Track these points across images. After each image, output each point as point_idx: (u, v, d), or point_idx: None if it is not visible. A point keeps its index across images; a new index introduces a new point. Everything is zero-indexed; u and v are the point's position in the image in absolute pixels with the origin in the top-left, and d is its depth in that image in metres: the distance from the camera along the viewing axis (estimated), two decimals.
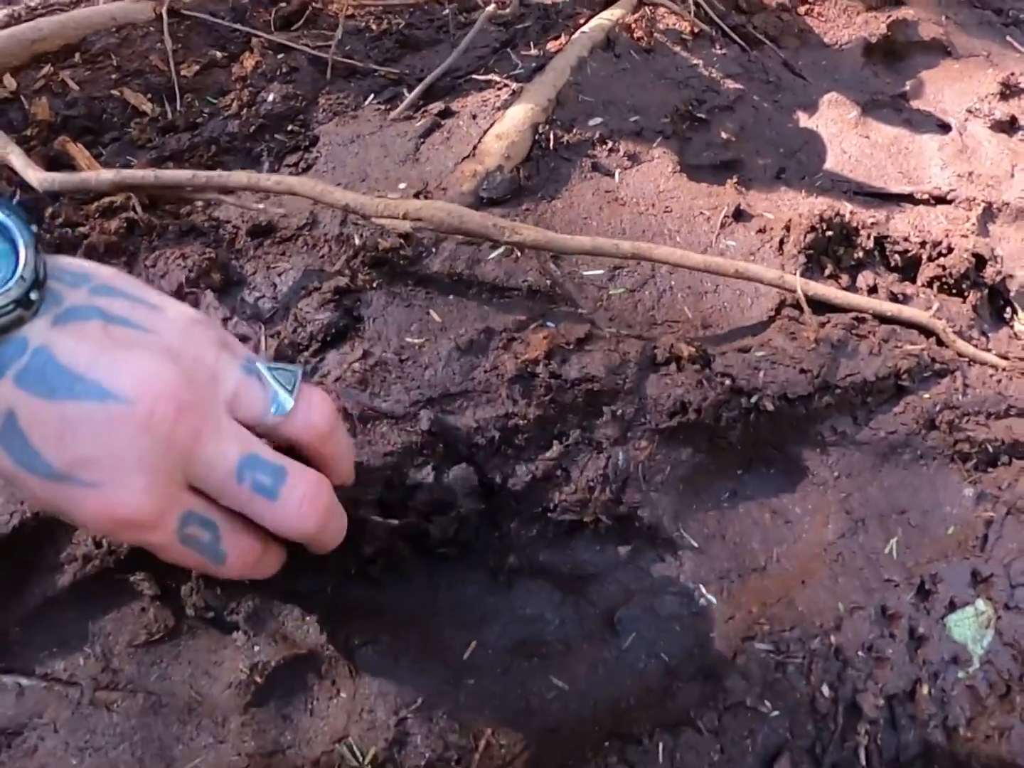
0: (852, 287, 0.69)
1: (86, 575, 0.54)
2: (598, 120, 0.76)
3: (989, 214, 0.83)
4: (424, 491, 0.52)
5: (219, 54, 0.82)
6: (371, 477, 0.52)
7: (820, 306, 0.65)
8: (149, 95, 0.79)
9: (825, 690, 0.53)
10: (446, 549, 0.53)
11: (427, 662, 0.53)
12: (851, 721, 0.53)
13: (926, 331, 0.68)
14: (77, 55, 0.81)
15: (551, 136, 0.72)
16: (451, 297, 0.61)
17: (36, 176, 0.65)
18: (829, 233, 0.69)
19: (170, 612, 0.55)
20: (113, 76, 0.79)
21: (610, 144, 0.74)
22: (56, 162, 0.75)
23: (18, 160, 0.67)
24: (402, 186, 0.69)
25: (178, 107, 0.79)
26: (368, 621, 0.54)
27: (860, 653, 0.55)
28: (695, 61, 0.85)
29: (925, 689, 0.55)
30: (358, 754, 0.50)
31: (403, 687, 0.52)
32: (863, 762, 0.52)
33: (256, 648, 0.54)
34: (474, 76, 0.80)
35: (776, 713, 0.52)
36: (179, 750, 0.51)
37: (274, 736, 0.51)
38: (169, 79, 0.80)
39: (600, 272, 0.65)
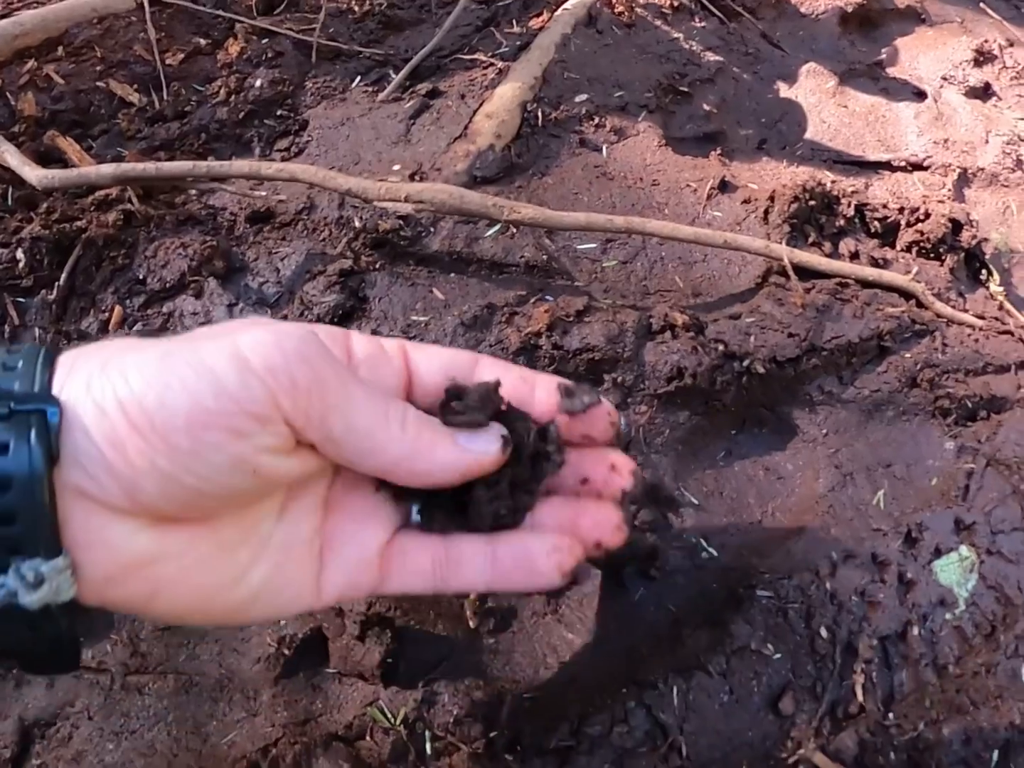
0: (835, 254, 0.72)
1: None
2: (584, 96, 0.77)
3: (964, 179, 0.86)
4: None
5: (203, 41, 0.82)
6: None
7: (805, 272, 0.68)
8: (135, 85, 0.79)
9: (823, 632, 0.56)
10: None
11: (445, 624, 0.55)
12: (848, 661, 0.56)
13: (906, 294, 0.71)
14: (60, 48, 0.80)
15: (539, 114, 0.73)
16: (452, 275, 0.62)
17: (34, 174, 0.66)
18: (812, 202, 0.71)
19: None
20: (98, 68, 0.79)
21: (597, 120, 0.76)
22: (47, 157, 0.75)
23: (14, 158, 0.67)
24: (396, 167, 0.70)
25: (165, 96, 0.79)
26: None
27: (853, 598, 0.58)
28: (676, 35, 0.87)
29: (915, 630, 0.58)
30: (389, 715, 0.52)
31: (426, 651, 0.54)
32: (860, 699, 0.55)
33: (282, 623, 0.56)
34: (459, 55, 0.81)
35: (779, 656, 0.55)
36: (213, 726, 0.53)
37: (305, 705, 0.53)
38: (154, 68, 0.79)
39: (593, 246, 0.67)
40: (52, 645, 0.33)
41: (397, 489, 0.40)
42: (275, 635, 0.55)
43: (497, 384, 0.40)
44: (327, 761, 0.51)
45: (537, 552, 0.40)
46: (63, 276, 0.67)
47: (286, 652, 0.55)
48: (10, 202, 0.72)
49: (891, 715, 0.55)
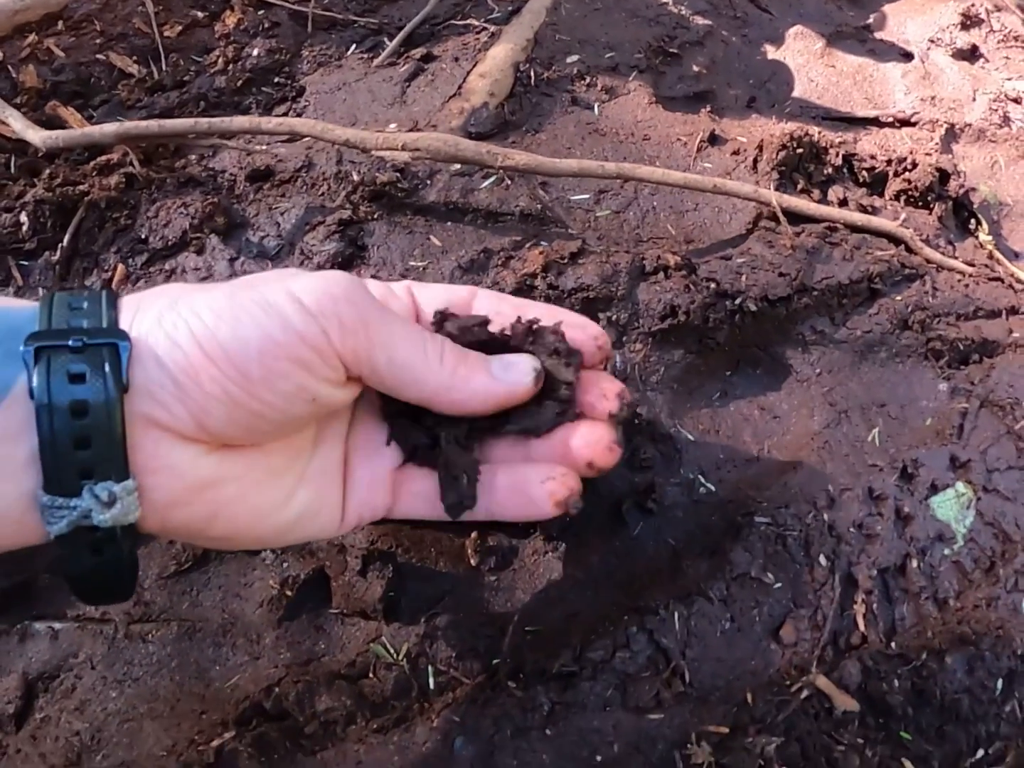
0: (823, 201, 0.73)
1: None
2: (575, 57, 0.79)
3: (952, 134, 0.87)
4: None
5: (200, 14, 0.84)
6: None
7: (794, 217, 0.69)
8: (135, 57, 0.81)
9: (822, 560, 0.56)
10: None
11: (446, 561, 0.56)
12: (848, 591, 0.56)
13: (895, 239, 0.72)
14: (60, 23, 0.82)
15: (532, 73, 0.75)
16: (449, 224, 0.63)
17: (38, 135, 0.67)
18: (799, 151, 0.72)
19: None
20: (97, 41, 0.81)
21: (588, 79, 0.78)
22: (49, 126, 0.76)
23: (17, 122, 0.68)
24: (392, 126, 0.72)
25: (164, 67, 0.80)
26: (385, 528, 0.56)
27: (851, 530, 0.58)
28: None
29: (915, 564, 0.58)
30: (392, 651, 0.52)
31: (428, 588, 0.55)
32: (862, 629, 0.55)
33: (285, 564, 0.57)
34: (452, 22, 0.82)
35: (779, 585, 0.55)
36: (216, 671, 0.53)
37: (308, 646, 0.54)
38: (153, 41, 0.81)
39: (586, 196, 0.68)
40: (112, 570, 0.35)
41: (401, 431, 0.44)
42: (278, 577, 0.56)
43: (484, 320, 0.43)
44: (330, 698, 0.51)
45: (531, 481, 0.43)
46: (66, 238, 0.68)
47: (288, 593, 0.55)
48: (13, 170, 0.73)
49: (893, 645, 0.55)
